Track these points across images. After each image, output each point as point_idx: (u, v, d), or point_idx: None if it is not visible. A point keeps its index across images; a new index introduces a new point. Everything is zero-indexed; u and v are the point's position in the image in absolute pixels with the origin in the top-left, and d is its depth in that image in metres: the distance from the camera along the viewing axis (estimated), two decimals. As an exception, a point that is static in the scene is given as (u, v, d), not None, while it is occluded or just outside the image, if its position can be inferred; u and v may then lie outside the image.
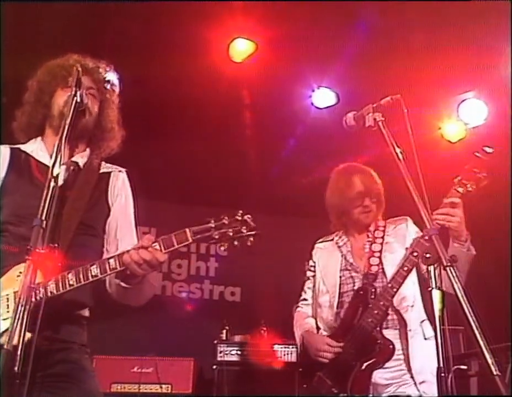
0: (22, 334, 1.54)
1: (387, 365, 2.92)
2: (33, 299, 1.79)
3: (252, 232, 2.01)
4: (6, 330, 1.81)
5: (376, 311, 2.90)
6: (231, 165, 6.09)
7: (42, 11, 4.21)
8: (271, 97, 5.22)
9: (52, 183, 1.76)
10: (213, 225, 2.00)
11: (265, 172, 6.19)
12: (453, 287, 1.71)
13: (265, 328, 5.75)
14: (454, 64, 4.68)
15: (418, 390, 2.87)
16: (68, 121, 1.94)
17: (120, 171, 2.49)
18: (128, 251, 2.02)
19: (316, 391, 2.98)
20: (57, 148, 1.86)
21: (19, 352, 1.54)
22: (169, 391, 5.15)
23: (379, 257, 3.14)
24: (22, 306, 1.56)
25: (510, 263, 2.90)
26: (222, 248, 2.03)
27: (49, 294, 2.00)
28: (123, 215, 2.43)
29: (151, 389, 5.12)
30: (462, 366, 4.44)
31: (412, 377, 2.90)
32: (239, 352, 5.43)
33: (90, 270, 2.03)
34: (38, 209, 1.91)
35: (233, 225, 2.00)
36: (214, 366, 5.34)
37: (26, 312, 1.56)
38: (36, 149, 2.38)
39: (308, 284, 3.39)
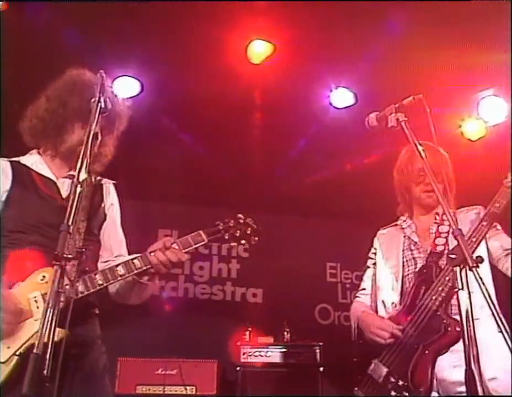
0: (51, 338, 1.56)
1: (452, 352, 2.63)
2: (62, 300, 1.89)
3: (256, 236, 2.46)
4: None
5: (441, 288, 2.69)
6: (247, 166, 6.11)
7: (56, 12, 4.26)
8: (289, 98, 5.21)
9: (79, 189, 1.82)
10: (221, 228, 2.43)
11: (287, 174, 6.18)
12: (480, 288, 1.70)
13: (287, 329, 5.75)
14: (474, 62, 4.64)
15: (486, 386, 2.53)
16: (93, 127, 1.99)
17: (109, 183, 2.71)
18: (153, 252, 2.28)
19: (373, 381, 2.72)
20: (82, 154, 1.92)
21: (47, 356, 1.57)
22: (194, 393, 5.18)
23: (446, 238, 2.95)
24: (50, 310, 1.59)
25: (510, 263, 2.85)
26: (232, 244, 2.45)
27: (79, 294, 2.20)
28: (114, 223, 2.67)
29: (176, 391, 5.15)
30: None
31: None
32: (262, 354, 5.44)
33: (117, 270, 2.26)
34: (47, 219, 2.22)
35: (238, 227, 2.45)
36: (238, 368, 5.36)
37: (54, 317, 1.59)
38: (36, 162, 2.53)
39: (368, 272, 3.24)
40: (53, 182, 2.51)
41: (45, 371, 1.55)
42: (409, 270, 2.96)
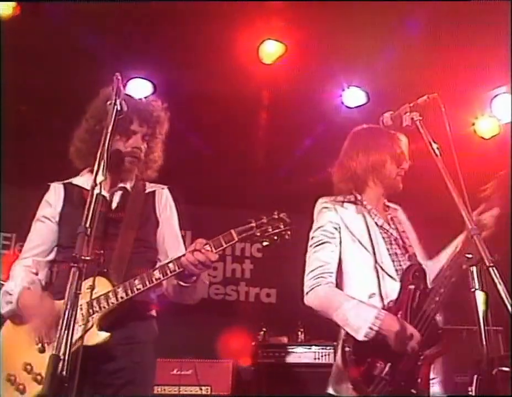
0: (70, 340, 1.59)
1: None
2: (105, 306, 2.27)
3: (289, 231, 2.37)
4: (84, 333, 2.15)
5: (437, 298, 2.56)
6: (260, 167, 6.12)
7: (69, 14, 4.29)
8: (300, 98, 5.21)
9: (96, 190, 1.87)
10: (254, 225, 2.37)
11: (299, 173, 6.18)
12: (496, 288, 1.69)
13: (301, 329, 5.76)
14: (487, 59, 4.62)
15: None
16: (109, 129, 2.03)
17: (162, 188, 2.83)
18: (184, 255, 2.35)
19: (380, 383, 2.51)
20: (99, 156, 1.97)
21: (66, 357, 1.60)
22: (209, 393, 5.22)
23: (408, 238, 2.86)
24: (69, 312, 1.61)
25: (510, 263, 2.84)
26: (264, 244, 2.40)
27: (120, 299, 2.33)
28: (170, 227, 2.76)
29: (191, 391, 5.19)
30: (505, 368, 4.34)
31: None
32: (277, 354, 5.45)
33: (153, 274, 2.36)
34: (96, 232, 2.18)
35: (271, 223, 2.38)
36: (253, 368, 5.40)
37: (73, 318, 1.62)
38: (86, 181, 2.66)
39: (329, 248, 2.75)
40: (104, 196, 2.61)
41: (64, 372, 1.57)
42: (396, 265, 2.75)
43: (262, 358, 5.43)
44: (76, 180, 2.74)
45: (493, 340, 1.82)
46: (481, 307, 1.75)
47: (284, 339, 5.67)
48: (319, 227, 2.81)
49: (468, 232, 1.86)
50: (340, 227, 2.79)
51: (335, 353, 5.30)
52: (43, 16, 4.29)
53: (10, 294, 2.48)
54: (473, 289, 1.79)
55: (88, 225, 1.79)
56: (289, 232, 2.39)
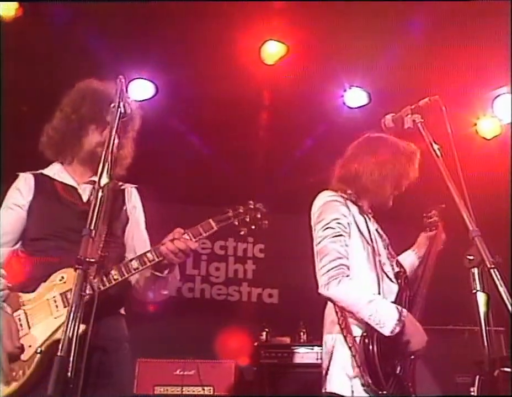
0: (75, 340, 1.59)
1: None
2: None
3: (265, 220, 2.46)
4: (60, 326, 2.13)
5: (419, 305, 2.78)
6: (262, 167, 6.12)
7: (71, 15, 4.30)
8: (302, 99, 5.22)
9: (100, 194, 1.86)
10: (231, 214, 2.45)
11: (301, 174, 6.18)
12: (497, 289, 1.70)
13: (304, 330, 5.76)
14: (488, 59, 4.62)
15: None
16: (113, 132, 2.04)
17: (131, 187, 2.80)
18: (163, 244, 2.34)
19: (387, 375, 2.58)
20: (103, 159, 1.97)
21: (71, 358, 1.60)
22: (211, 393, 5.21)
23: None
24: (74, 313, 1.62)
25: (510, 263, 2.86)
26: (242, 232, 2.46)
27: (96, 289, 2.21)
28: (139, 225, 2.74)
29: (193, 391, 5.18)
30: (507, 369, 4.34)
31: None
32: (279, 354, 5.45)
33: (131, 264, 2.33)
34: (69, 224, 2.33)
35: (248, 212, 2.47)
36: (255, 368, 5.40)
37: (78, 319, 1.63)
38: (57, 171, 2.65)
39: (342, 241, 2.69)
40: (74, 188, 2.60)
41: (69, 373, 1.58)
42: (387, 265, 2.81)
43: (264, 358, 5.42)
44: (47, 171, 2.69)
45: (495, 341, 1.83)
46: (482, 308, 1.76)
47: (287, 340, 5.67)
48: (334, 219, 2.72)
49: (469, 234, 1.87)
50: (351, 223, 2.76)
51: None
52: (45, 17, 4.31)
53: None
54: (474, 291, 1.80)
55: (92, 227, 1.78)
56: (266, 222, 2.47)
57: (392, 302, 2.69)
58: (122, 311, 2.60)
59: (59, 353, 1.59)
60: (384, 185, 2.85)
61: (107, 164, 1.94)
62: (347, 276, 2.63)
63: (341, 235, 2.69)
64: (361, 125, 5.23)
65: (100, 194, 1.86)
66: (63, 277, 2.34)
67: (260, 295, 7.06)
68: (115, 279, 2.32)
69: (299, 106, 5.28)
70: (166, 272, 2.45)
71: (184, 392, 5.14)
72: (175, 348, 5.55)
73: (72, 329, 1.61)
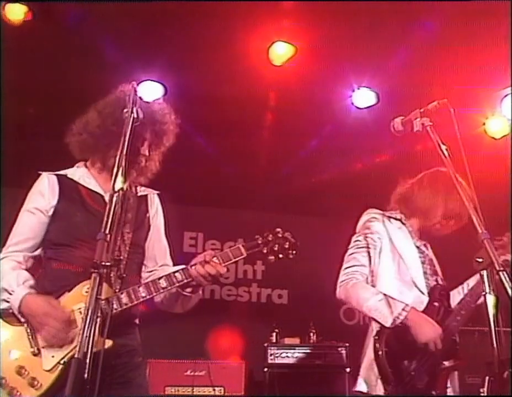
0: (91, 344, 1.62)
1: None
2: (108, 311, 2.13)
3: (293, 250, 2.49)
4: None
5: (458, 318, 2.91)
6: (271, 168, 6.14)
7: (82, 18, 4.33)
8: (310, 99, 5.22)
9: (115, 198, 1.87)
10: (260, 242, 2.48)
11: (312, 175, 6.20)
12: (506, 291, 1.72)
13: (313, 330, 5.78)
14: (496, 58, 4.61)
15: None
16: (127, 138, 2.03)
17: (153, 193, 2.80)
18: (193, 266, 2.36)
19: (398, 372, 2.82)
20: (118, 163, 1.97)
21: (87, 360, 1.62)
22: (222, 394, 5.25)
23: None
24: (90, 317, 1.64)
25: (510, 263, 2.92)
26: (270, 258, 2.49)
27: (123, 306, 2.30)
28: (160, 234, 2.75)
29: (204, 392, 5.22)
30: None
31: None
32: (289, 354, 5.48)
33: (159, 283, 2.34)
34: (94, 233, 2.14)
35: (277, 241, 2.49)
36: (265, 369, 5.42)
37: (94, 323, 1.65)
38: (83, 176, 2.61)
39: (365, 253, 3.06)
40: (101, 195, 2.57)
41: (86, 375, 1.60)
42: (420, 278, 3.05)
43: (274, 358, 5.46)
44: (72, 173, 2.63)
45: (504, 342, 1.85)
46: (491, 310, 1.78)
47: (297, 340, 5.69)
48: (364, 234, 3.11)
49: (478, 237, 1.88)
50: (383, 238, 3.08)
51: (346, 353, 5.38)
52: (55, 19, 4.32)
53: (10, 293, 2.36)
54: (484, 293, 1.82)
55: (107, 231, 1.79)
56: (293, 252, 2.50)
57: (421, 312, 2.91)
58: (137, 321, 2.61)
59: (76, 356, 1.62)
60: (436, 212, 3.12)
61: (121, 169, 1.94)
62: (358, 280, 2.97)
63: (366, 247, 3.06)
64: (369, 125, 5.31)
65: (114, 199, 1.86)
66: (89, 289, 2.28)
67: (270, 295, 7.09)
68: (142, 297, 2.34)
69: (307, 106, 5.28)
70: (189, 290, 2.49)
71: (194, 393, 5.18)
72: (185, 348, 5.58)
73: (88, 333, 1.63)
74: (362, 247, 3.07)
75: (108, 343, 2.14)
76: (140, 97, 2.21)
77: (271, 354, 5.47)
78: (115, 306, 2.27)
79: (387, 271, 3.03)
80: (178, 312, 2.60)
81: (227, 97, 5.01)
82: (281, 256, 2.48)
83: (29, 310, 2.31)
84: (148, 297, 2.34)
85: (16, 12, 4.26)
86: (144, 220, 2.67)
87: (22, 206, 2.58)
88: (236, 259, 2.44)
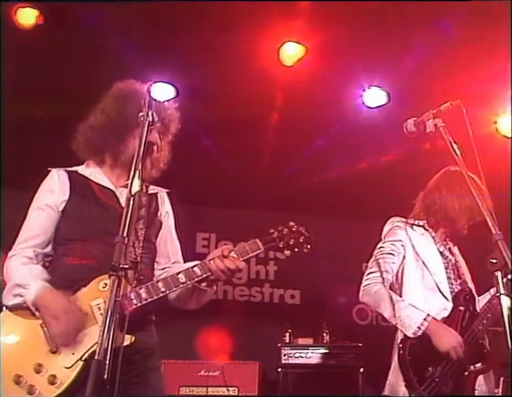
0: (111, 345, 1.64)
1: None
2: (128, 307, 2.12)
3: (308, 244, 2.48)
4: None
5: (484, 321, 2.97)
6: (281, 168, 6.16)
7: (94, 19, 4.35)
8: (321, 99, 5.22)
9: (131, 202, 1.87)
10: (276, 236, 2.46)
11: (325, 175, 6.20)
12: None
13: (327, 331, 5.78)
14: (506, 57, 4.60)
15: None
16: (143, 141, 2.05)
17: (163, 192, 2.79)
18: (211, 261, 2.35)
19: (422, 379, 2.89)
20: (134, 167, 1.98)
21: (108, 361, 1.65)
22: (236, 394, 5.27)
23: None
24: (110, 318, 1.67)
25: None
26: (286, 253, 2.46)
27: (143, 301, 2.28)
28: (170, 231, 2.74)
29: (218, 392, 5.25)
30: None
31: None
32: (302, 355, 5.49)
33: (178, 278, 2.34)
34: (108, 227, 2.23)
35: (292, 235, 2.47)
36: (279, 369, 5.43)
37: (113, 324, 1.68)
38: (94, 172, 2.59)
39: (391, 260, 3.15)
40: (112, 191, 2.56)
41: (105, 376, 1.62)
42: (444, 284, 3.10)
43: (288, 359, 5.47)
44: (82, 170, 2.61)
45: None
46: (506, 311, 1.78)
47: (310, 341, 5.70)
48: (388, 241, 3.20)
49: (492, 238, 1.89)
50: (406, 246, 3.17)
51: (360, 354, 5.38)
52: (66, 21, 4.36)
53: (23, 287, 2.31)
54: (498, 294, 1.83)
55: (125, 234, 1.80)
56: (308, 246, 2.49)
57: (445, 318, 3.00)
58: (153, 317, 2.58)
59: (96, 357, 1.63)
60: (461, 216, 3.18)
61: (137, 172, 1.95)
62: (381, 286, 3.07)
63: (390, 254, 3.16)
64: (380, 124, 5.31)
65: (131, 201, 1.87)
66: (106, 284, 2.28)
67: (282, 296, 7.10)
68: (162, 292, 2.32)
69: (317, 106, 5.29)
70: (205, 284, 2.47)
71: (208, 393, 5.20)
72: (199, 349, 5.60)
73: (107, 334, 1.65)
74: (386, 253, 3.16)
75: (129, 339, 2.15)
76: (154, 99, 2.21)
77: (284, 355, 5.48)
78: (134, 301, 2.26)
79: (411, 278, 3.11)
80: (191, 309, 2.57)
81: (237, 97, 5.03)
82: (296, 249, 2.47)
83: (45, 303, 2.26)
84: (167, 292, 2.34)
85: (28, 16, 4.31)
86: (155, 218, 2.66)
87: (30, 205, 2.55)
88: (254, 253, 2.43)
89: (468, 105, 2.33)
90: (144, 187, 2.62)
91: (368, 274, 3.15)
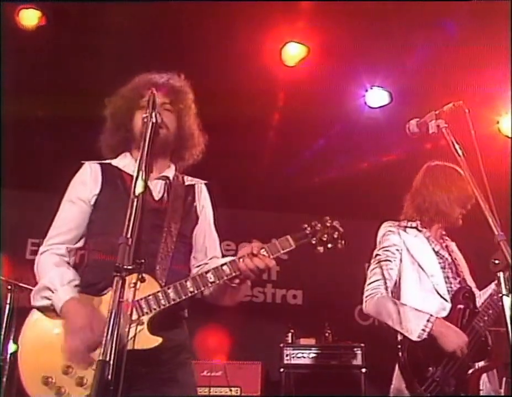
0: (115, 346, 1.64)
1: None
2: (156, 307, 2.14)
3: (342, 240, 2.37)
4: (134, 336, 2.07)
5: (486, 318, 2.96)
6: (290, 169, 6.16)
7: (97, 18, 4.36)
8: (323, 99, 5.23)
9: (135, 203, 1.86)
10: (308, 232, 2.36)
11: (332, 175, 6.20)
12: None
13: (329, 331, 5.78)
14: (508, 57, 4.61)
15: None
16: (147, 142, 2.04)
17: (201, 183, 2.70)
18: (241, 259, 2.27)
19: (422, 380, 2.87)
20: (138, 168, 1.97)
21: (111, 362, 1.65)
22: (238, 394, 5.26)
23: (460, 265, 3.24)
24: (114, 319, 1.67)
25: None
26: (319, 249, 2.35)
27: (171, 302, 2.22)
28: (209, 225, 2.65)
29: (221, 392, 5.24)
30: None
31: None
32: (305, 355, 5.49)
33: (206, 277, 2.27)
34: (141, 222, 2.04)
35: (326, 230, 2.37)
36: (281, 369, 5.41)
37: (117, 326, 1.67)
38: (128, 164, 2.52)
39: (390, 265, 3.16)
40: (146, 184, 2.40)
41: (109, 377, 1.62)
42: (442, 284, 3.08)
43: (290, 359, 5.47)
44: (116, 162, 2.54)
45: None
46: (508, 311, 1.78)
47: (312, 341, 5.70)
48: (383, 248, 3.21)
49: (495, 238, 1.89)
50: (401, 250, 3.18)
51: (362, 354, 5.39)
52: (69, 21, 4.37)
53: (52, 291, 2.26)
54: (500, 294, 1.83)
55: (129, 235, 1.79)
56: (342, 242, 2.38)
57: (445, 317, 2.97)
58: (185, 313, 2.51)
59: (100, 357, 1.63)
60: (454, 208, 3.19)
61: (141, 173, 1.93)
62: (382, 294, 3.08)
63: (387, 260, 3.16)
64: (382, 125, 5.31)
65: (135, 203, 1.85)
66: (134, 283, 2.15)
67: (284, 296, 7.09)
68: (190, 292, 2.25)
69: (319, 106, 5.29)
70: (238, 281, 2.36)
71: (211, 393, 5.20)
72: (201, 349, 5.60)
73: (111, 334, 1.65)
74: (383, 260, 3.17)
75: (158, 340, 2.13)
76: (155, 102, 2.21)
77: (287, 355, 5.47)
78: (162, 302, 2.20)
79: (409, 282, 3.12)
80: (227, 305, 2.49)
81: (239, 97, 5.03)
82: (330, 246, 2.35)
83: (67, 314, 2.22)
84: (196, 292, 2.26)
85: (30, 18, 4.32)
86: (191, 211, 2.57)
87: (63, 197, 2.50)
88: (285, 250, 2.32)
89: (470, 105, 2.34)
90: (180, 178, 2.61)
91: (368, 285, 3.17)
